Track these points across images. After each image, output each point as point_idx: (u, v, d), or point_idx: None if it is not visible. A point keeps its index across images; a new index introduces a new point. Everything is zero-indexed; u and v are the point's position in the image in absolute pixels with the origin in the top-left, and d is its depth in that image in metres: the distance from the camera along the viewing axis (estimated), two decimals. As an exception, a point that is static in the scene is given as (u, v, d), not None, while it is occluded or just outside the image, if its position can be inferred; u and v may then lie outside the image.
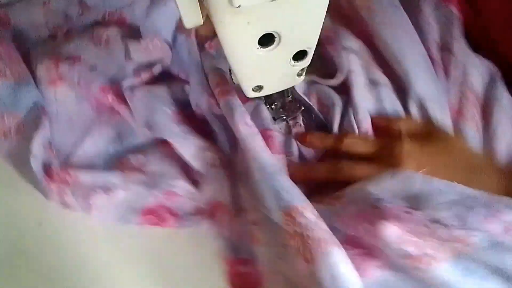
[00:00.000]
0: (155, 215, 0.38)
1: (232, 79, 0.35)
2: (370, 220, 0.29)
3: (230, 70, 0.36)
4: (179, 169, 0.39)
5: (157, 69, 0.43)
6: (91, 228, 0.39)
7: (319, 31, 0.29)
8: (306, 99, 0.40)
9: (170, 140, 0.38)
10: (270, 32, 0.27)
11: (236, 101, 0.36)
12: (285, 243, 0.29)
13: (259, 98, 0.39)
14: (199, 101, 0.40)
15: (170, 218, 0.38)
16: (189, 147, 0.38)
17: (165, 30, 0.46)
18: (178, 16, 0.44)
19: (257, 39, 0.28)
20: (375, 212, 0.29)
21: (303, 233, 0.28)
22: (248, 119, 0.35)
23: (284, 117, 0.40)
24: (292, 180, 0.32)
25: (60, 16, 0.48)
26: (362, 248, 0.30)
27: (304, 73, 0.34)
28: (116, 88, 0.41)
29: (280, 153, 0.37)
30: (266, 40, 0.28)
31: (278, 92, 0.37)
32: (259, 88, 0.34)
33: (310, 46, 0.31)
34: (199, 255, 0.36)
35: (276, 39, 0.28)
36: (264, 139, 0.34)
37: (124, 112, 0.41)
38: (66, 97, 0.43)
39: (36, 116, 0.41)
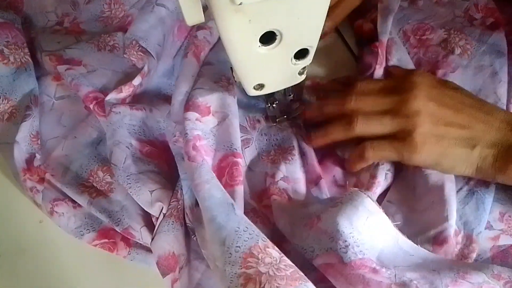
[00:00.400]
0: (109, 238, 0.38)
1: (234, 77, 0.35)
2: (336, 278, 0.29)
3: (231, 68, 0.36)
4: (139, 209, 0.37)
5: (136, 81, 0.41)
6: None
7: (321, 30, 0.29)
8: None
9: (123, 184, 0.36)
10: (271, 30, 0.27)
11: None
12: None
13: (257, 97, 0.39)
14: (169, 136, 0.38)
15: (123, 247, 0.38)
16: (142, 193, 0.35)
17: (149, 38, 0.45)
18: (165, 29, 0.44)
19: (259, 37, 0.28)
20: (342, 270, 0.29)
21: (269, 271, 0.26)
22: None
23: (285, 116, 0.40)
24: (312, 146, 0.35)
25: (68, 4, 0.48)
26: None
27: (305, 72, 0.34)
28: (103, 98, 0.40)
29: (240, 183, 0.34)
30: (268, 38, 0.28)
31: (279, 91, 0.37)
32: (260, 86, 0.34)
33: (312, 45, 0.31)
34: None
35: (278, 38, 0.28)
36: (227, 167, 0.34)
37: (103, 124, 0.41)
38: (65, 93, 0.44)
39: (27, 105, 0.42)
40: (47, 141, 0.42)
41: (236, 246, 0.27)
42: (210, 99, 0.37)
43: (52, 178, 0.39)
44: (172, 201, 0.35)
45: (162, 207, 0.35)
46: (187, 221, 0.35)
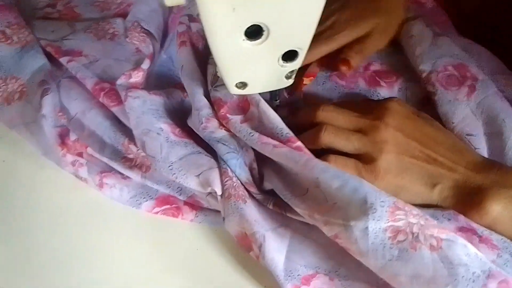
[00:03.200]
0: (171, 203, 0.36)
1: (217, 72, 0.33)
2: None
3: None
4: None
5: (145, 65, 0.40)
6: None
7: (313, 32, 0.27)
8: None
9: (168, 175, 0.34)
10: (257, 23, 0.25)
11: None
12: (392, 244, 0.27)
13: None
14: (196, 125, 0.36)
15: (189, 211, 0.36)
16: (190, 180, 0.33)
17: (151, 21, 0.44)
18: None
19: (244, 30, 0.26)
20: None
21: (419, 221, 0.27)
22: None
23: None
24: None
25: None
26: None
27: (293, 76, 0.32)
28: (110, 87, 0.39)
29: None
30: (254, 32, 0.26)
31: (265, 95, 0.35)
32: (243, 85, 0.31)
33: (301, 47, 0.28)
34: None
35: (265, 33, 0.26)
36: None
37: (117, 113, 0.39)
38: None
39: (42, 80, 0.40)
40: (73, 116, 0.39)
41: (381, 201, 0.27)
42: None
43: (95, 153, 0.37)
44: (225, 181, 0.33)
45: (215, 190, 0.33)
46: (254, 194, 0.34)
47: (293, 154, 0.31)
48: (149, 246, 0.35)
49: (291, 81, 0.33)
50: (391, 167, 0.32)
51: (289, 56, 0.29)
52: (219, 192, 0.33)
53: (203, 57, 0.40)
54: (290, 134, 0.33)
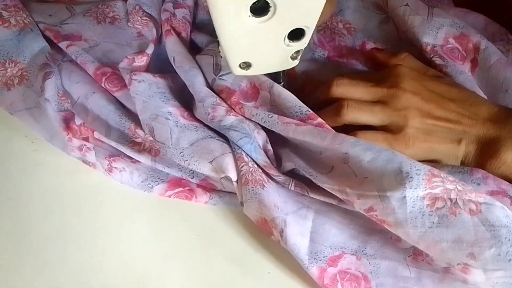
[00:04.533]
0: (183, 186, 0.35)
1: (220, 52, 0.32)
2: None
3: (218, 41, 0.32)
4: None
5: (150, 50, 0.39)
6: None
7: (321, 9, 0.26)
8: None
9: (180, 162, 0.33)
10: (264, -1, 0.24)
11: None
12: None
13: None
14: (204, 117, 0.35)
15: (202, 193, 0.35)
16: (202, 166, 0.32)
17: (152, 5, 0.42)
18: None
19: (249, 6, 0.25)
20: None
21: (457, 187, 0.27)
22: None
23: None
24: None
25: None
26: None
27: (299, 57, 0.31)
28: (112, 72, 0.38)
29: None
30: (260, 9, 0.25)
31: (270, 76, 0.34)
32: (246, 65, 0.30)
33: (309, 25, 0.27)
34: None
35: (271, 10, 0.25)
36: None
37: (121, 98, 0.38)
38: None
39: (43, 63, 0.39)
40: (76, 100, 0.38)
41: (417, 170, 0.27)
42: (251, 77, 0.35)
43: (102, 137, 0.36)
44: (241, 166, 0.32)
45: (230, 177, 0.32)
46: (274, 176, 0.33)
47: (319, 131, 0.31)
48: (157, 229, 0.34)
49: (296, 62, 0.31)
50: (418, 132, 0.32)
51: (296, 35, 0.28)
52: (234, 178, 0.32)
53: (189, 46, 0.39)
54: (310, 111, 0.33)
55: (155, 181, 0.35)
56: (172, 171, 0.35)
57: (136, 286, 0.31)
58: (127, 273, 0.32)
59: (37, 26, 0.42)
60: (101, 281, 0.32)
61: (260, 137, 0.34)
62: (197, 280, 0.31)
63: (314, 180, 0.31)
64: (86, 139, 0.36)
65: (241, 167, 0.32)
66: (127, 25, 0.43)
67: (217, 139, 0.34)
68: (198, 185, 0.36)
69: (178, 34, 0.40)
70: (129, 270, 0.32)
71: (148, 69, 0.40)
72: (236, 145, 0.33)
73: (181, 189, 0.35)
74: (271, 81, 0.35)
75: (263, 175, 0.32)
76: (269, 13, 0.25)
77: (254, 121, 0.34)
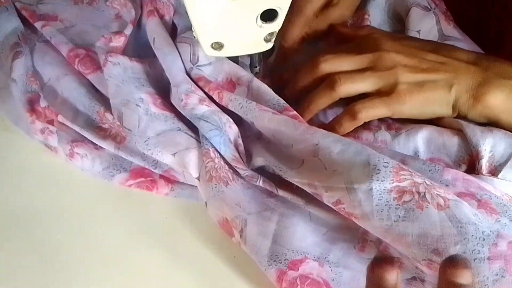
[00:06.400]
0: (145, 176, 0.34)
1: (193, 32, 0.31)
2: None
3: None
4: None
5: (128, 30, 0.38)
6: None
7: (293, -11, 0.26)
8: None
9: (143, 150, 0.32)
10: (234, -24, 0.24)
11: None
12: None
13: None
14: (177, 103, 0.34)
15: (164, 184, 0.34)
16: (165, 157, 0.32)
17: None
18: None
19: (219, -17, 0.24)
20: None
21: (425, 181, 0.26)
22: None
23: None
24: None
25: None
26: None
27: (273, 39, 0.31)
28: (86, 53, 0.37)
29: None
30: (230, -13, 0.25)
31: (245, 60, 0.33)
32: (219, 46, 0.30)
33: (281, 6, 0.27)
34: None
35: (242, -12, 0.25)
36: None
37: (94, 80, 0.36)
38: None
39: (14, 43, 0.38)
40: (46, 82, 0.37)
41: (384, 162, 0.27)
42: (229, 72, 0.35)
43: (66, 121, 0.35)
44: (207, 162, 0.31)
45: (190, 172, 0.32)
46: (241, 172, 0.32)
47: (293, 121, 0.31)
48: (122, 210, 0.34)
49: (270, 45, 0.31)
50: (411, 86, 0.33)
51: (268, 16, 0.28)
52: (194, 175, 0.32)
53: (172, 30, 0.38)
54: (286, 104, 0.33)
55: (117, 170, 0.35)
56: (135, 160, 0.34)
57: (99, 265, 0.31)
58: (90, 252, 0.32)
59: (14, 5, 0.41)
60: (64, 258, 0.31)
61: (232, 131, 0.33)
62: (167, 256, 0.31)
63: (283, 175, 0.30)
64: (50, 122, 0.35)
65: (207, 163, 0.31)
66: (105, 4, 0.42)
67: (185, 132, 0.33)
68: (161, 176, 0.35)
69: (162, 17, 0.38)
70: (92, 249, 0.32)
71: (126, 52, 0.38)
72: (205, 137, 0.32)
73: (142, 179, 0.34)
74: (251, 75, 0.34)
75: (229, 173, 0.32)
76: (240, -8, 0.25)
77: (228, 113, 0.33)
